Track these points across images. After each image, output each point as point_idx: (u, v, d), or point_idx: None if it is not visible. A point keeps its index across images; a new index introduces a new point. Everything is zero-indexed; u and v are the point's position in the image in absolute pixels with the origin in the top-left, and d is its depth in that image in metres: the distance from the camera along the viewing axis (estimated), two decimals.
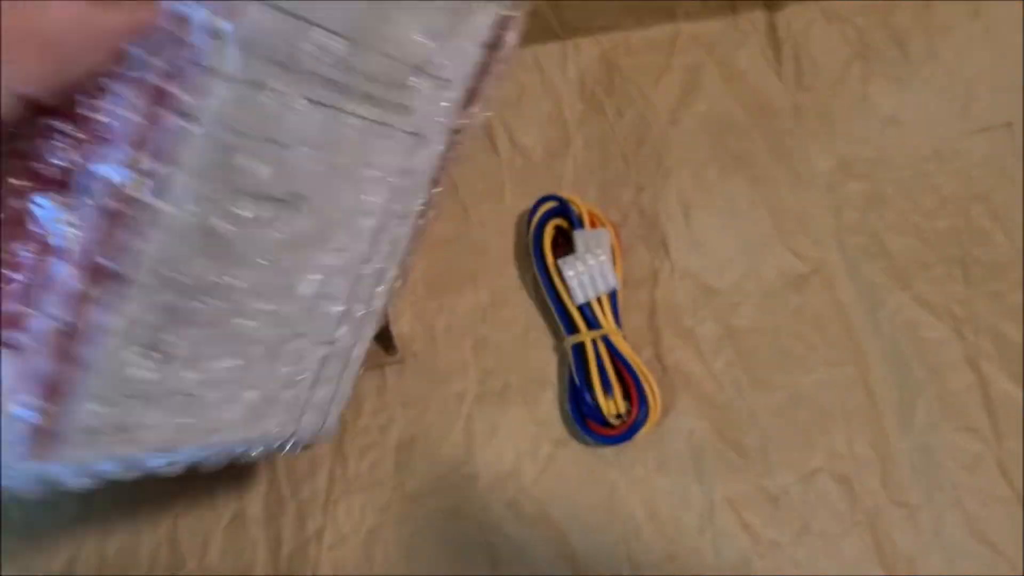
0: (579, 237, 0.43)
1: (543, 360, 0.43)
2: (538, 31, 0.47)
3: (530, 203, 0.44)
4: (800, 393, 0.41)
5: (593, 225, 0.43)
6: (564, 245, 0.43)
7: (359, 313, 0.31)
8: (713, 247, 0.44)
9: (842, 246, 0.43)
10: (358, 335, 0.32)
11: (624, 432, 0.40)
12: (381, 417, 0.42)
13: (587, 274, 0.42)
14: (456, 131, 0.30)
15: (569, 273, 0.42)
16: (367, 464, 0.41)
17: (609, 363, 0.41)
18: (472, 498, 0.40)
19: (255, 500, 0.41)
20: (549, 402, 0.42)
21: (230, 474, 0.40)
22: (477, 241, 0.45)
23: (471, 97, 0.30)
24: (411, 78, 0.27)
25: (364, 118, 0.26)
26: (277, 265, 0.27)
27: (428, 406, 0.42)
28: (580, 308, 0.42)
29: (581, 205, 0.43)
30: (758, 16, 0.47)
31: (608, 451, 0.41)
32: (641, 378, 0.40)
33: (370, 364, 0.42)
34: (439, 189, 0.31)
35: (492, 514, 0.40)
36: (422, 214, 0.31)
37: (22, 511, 0.40)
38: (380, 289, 0.32)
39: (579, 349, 0.41)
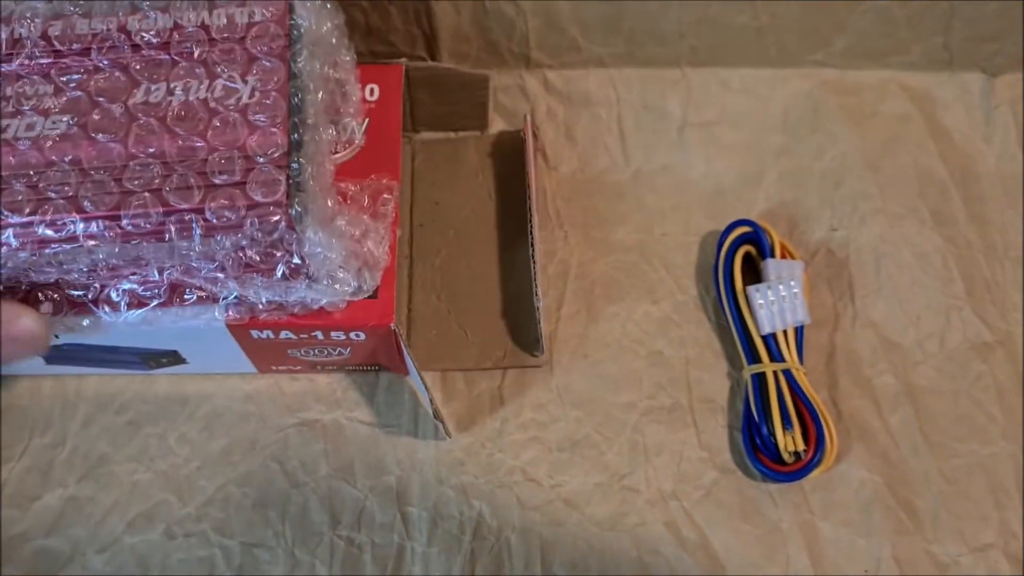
0: (771, 266, 0.42)
1: (715, 384, 0.42)
2: (754, 54, 0.46)
3: (716, 226, 0.44)
4: (977, 463, 0.40)
5: (783, 257, 0.42)
6: (747, 273, 0.42)
7: None
8: (900, 300, 0.43)
9: None
10: None
11: (796, 471, 0.39)
12: (544, 413, 0.41)
13: (777, 304, 0.41)
14: None
15: (759, 301, 0.41)
16: (525, 460, 0.40)
17: (790, 399, 0.40)
18: (630, 512, 0.39)
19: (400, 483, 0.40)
20: (718, 428, 0.41)
21: (383, 449, 0.40)
22: (659, 254, 0.44)
23: None
24: None
25: None
26: None
27: (595, 410, 0.41)
28: (764, 338, 0.41)
29: (774, 235, 0.42)
30: (974, 78, 0.46)
31: (773, 488, 0.40)
32: (821, 419, 0.39)
33: (512, 364, 0.41)
34: None
35: (649, 531, 0.39)
36: None
37: None
38: None
39: (759, 380, 0.40)
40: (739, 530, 0.39)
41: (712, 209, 0.45)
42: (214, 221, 0.30)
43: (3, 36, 0.32)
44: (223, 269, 0.31)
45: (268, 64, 0.32)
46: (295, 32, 0.33)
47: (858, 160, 0.45)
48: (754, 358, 0.41)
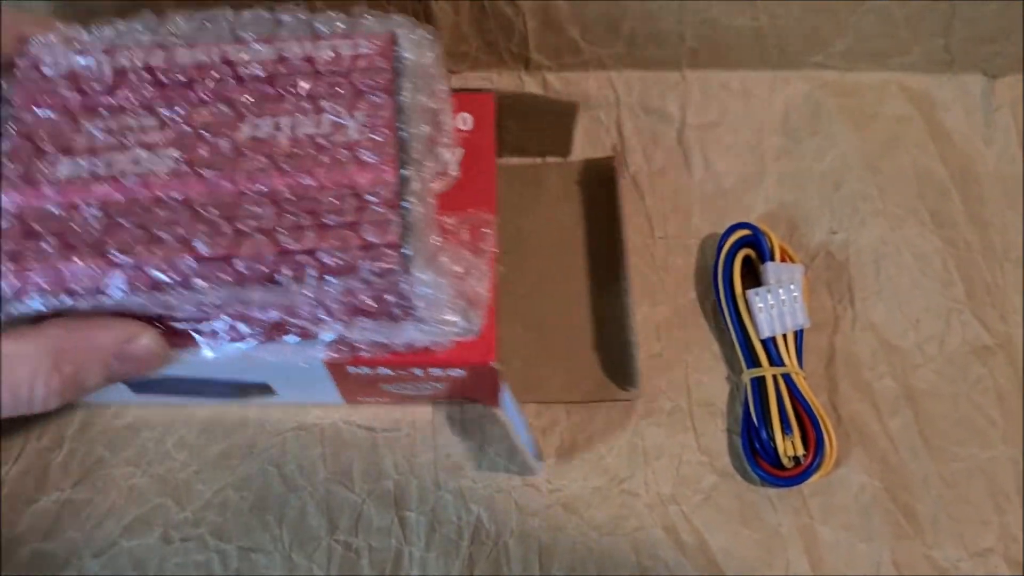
0: (771, 269, 0.42)
1: (715, 388, 0.41)
2: (754, 55, 0.46)
3: (716, 228, 0.44)
4: (977, 467, 0.40)
5: (783, 261, 0.42)
6: (747, 276, 0.42)
7: None
8: (900, 303, 0.43)
9: None
10: None
11: (796, 476, 0.39)
12: (544, 418, 0.41)
13: (777, 308, 0.40)
14: None
15: (759, 305, 0.41)
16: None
17: (789, 403, 0.39)
18: (629, 516, 0.39)
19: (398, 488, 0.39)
20: (717, 432, 0.41)
21: (381, 453, 0.39)
22: (659, 256, 0.44)
23: None
24: None
25: None
26: None
27: (595, 413, 0.41)
28: (764, 342, 0.40)
29: (774, 238, 0.42)
30: (975, 79, 0.46)
31: (772, 492, 0.40)
32: (821, 423, 0.39)
33: (601, 398, 0.41)
34: None
35: (648, 535, 0.39)
36: None
37: None
38: None
39: (758, 384, 0.40)
40: (738, 534, 0.39)
41: (711, 211, 0.45)
42: (328, 263, 0.28)
43: (106, 69, 0.31)
44: (329, 312, 0.30)
45: (375, 99, 0.31)
46: (399, 64, 0.32)
47: (858, 161, 0.45)
48: (753, 362, 0.41)
